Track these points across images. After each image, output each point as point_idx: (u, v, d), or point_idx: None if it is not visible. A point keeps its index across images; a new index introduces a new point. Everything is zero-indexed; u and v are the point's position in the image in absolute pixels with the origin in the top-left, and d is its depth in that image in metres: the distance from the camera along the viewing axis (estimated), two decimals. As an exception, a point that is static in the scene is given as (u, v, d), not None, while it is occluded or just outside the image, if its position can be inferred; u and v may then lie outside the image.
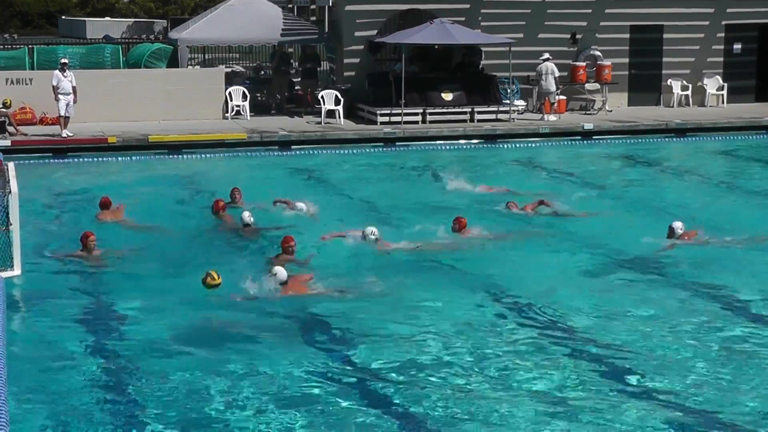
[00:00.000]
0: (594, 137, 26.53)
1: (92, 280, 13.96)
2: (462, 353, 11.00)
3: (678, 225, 15.49)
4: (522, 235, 16.04)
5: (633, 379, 10.32)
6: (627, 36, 30.03)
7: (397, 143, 25.49)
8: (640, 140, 26.34)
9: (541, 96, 28.00)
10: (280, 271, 12.84)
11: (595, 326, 11.95)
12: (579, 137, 26.58)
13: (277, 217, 16.84)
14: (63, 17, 57.12)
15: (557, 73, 27.69)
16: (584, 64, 29.23)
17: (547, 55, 27.92)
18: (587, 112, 29.12)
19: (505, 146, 25.64)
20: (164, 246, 15.44)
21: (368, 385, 10.24)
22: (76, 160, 23.27)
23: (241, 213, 16.24)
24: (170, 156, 23.80)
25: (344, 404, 9.69)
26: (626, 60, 30.01)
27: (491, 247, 15.28)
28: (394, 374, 10.41)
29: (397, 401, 9.76)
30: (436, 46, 27.95)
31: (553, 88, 27.71)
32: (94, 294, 13.31)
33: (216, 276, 12.19)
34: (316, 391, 10.00)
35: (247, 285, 12.80)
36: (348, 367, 10.68)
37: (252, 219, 15.97)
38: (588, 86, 29.37)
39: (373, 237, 14.90)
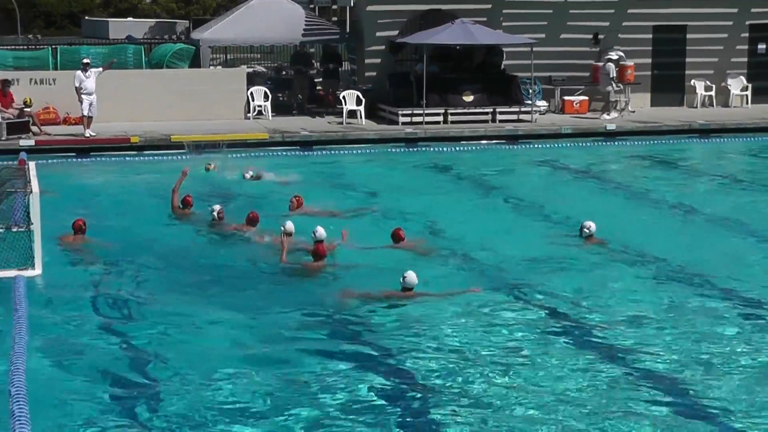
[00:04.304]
0: (617, 138, 26.41)
1: (111, 278, 13.97)
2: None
3: (589, 224, 15.08)
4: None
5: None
6: (650, 36, 29.87)
7: (419, 143, 25.46)
8: (663, 141, 26.18)
9: (604, 96, 28.14)
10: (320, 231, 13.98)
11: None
12: (601, 138, 26.46)
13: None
14: (86, 18, 57.36)
15: (612, 74, 27.73)
16: (607, 64, 29.08)
17: (611, 55, 27.99)
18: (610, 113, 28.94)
19: (527, 146, 25.58)
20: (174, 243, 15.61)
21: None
22: (99, 159, 23.36)
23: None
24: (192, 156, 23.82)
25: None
26: (649, 60, 29.85)
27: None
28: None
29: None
30: (458, 47, 27.87)
31: (608, 88, 27.73)
32: (115, 292, 13.29)
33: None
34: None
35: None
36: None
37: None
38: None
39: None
